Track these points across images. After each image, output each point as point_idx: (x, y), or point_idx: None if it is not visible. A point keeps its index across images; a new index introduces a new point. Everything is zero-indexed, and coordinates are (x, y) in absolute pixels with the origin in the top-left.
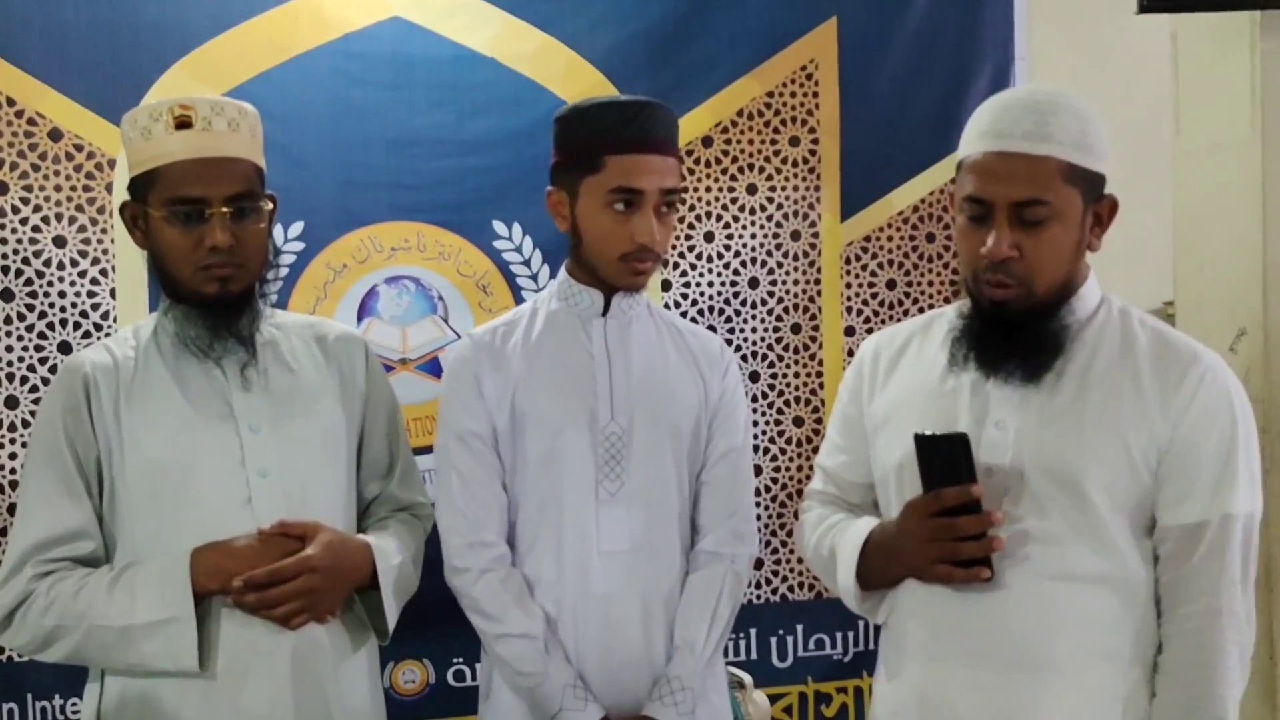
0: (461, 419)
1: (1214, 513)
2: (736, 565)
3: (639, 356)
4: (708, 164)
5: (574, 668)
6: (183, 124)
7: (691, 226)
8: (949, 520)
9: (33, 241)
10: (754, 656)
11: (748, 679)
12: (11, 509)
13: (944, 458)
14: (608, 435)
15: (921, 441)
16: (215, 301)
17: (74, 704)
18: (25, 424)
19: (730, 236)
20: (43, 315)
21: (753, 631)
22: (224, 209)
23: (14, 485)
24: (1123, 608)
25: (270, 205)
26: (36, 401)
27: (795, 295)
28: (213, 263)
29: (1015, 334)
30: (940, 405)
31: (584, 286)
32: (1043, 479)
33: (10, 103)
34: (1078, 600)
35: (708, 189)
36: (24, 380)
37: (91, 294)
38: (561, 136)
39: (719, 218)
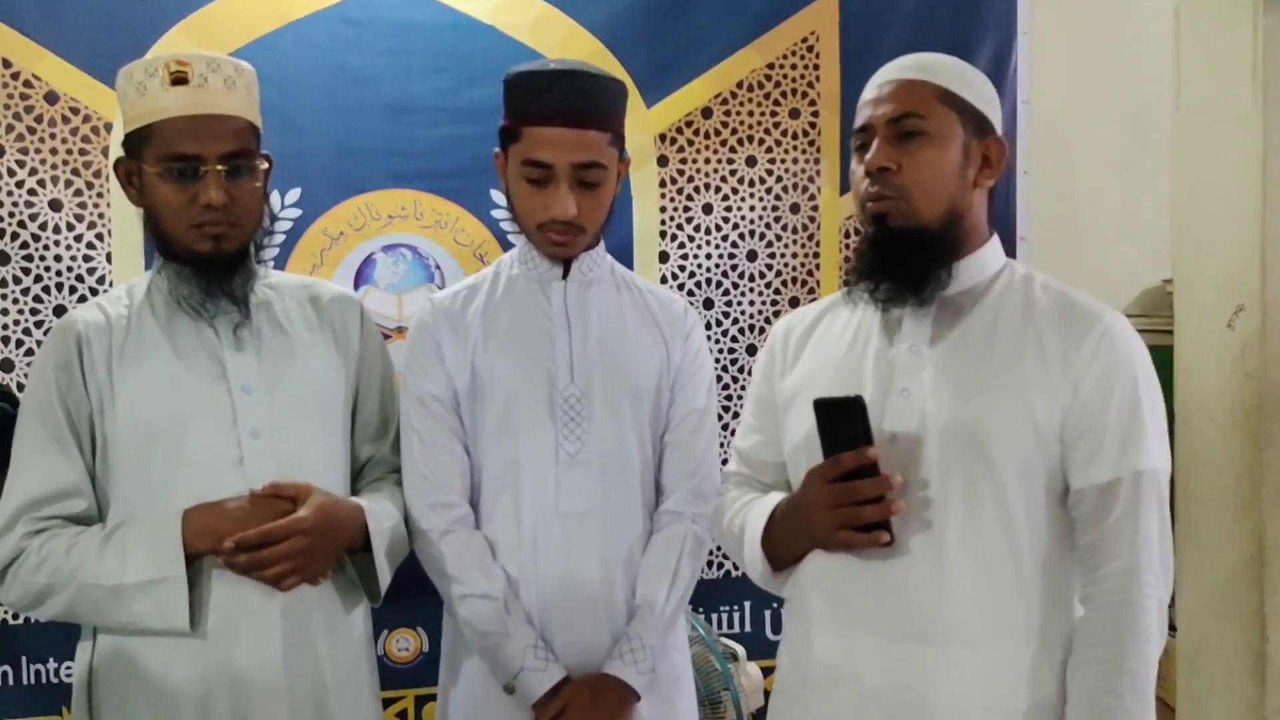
0: (421, 382)
1: (1125, 469)
2: (697, 525)
3: (598, 319)
4: (707, 135)
5: (535, 629)
6: (178, 80)
7: (690, 198)
8: (847, 484)
9: (28, 205)
10: (748, 629)
11: (741, 651)
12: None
13: (842, 422)
14: (566, 398)
15: (820, 406)
16: (209, 260)
17: (67, 666)
18: (20, 388)
19: (729, 209)
20: (38, 279)
21: (746, 605)
22: (219, 166)
23: None
24: (1022, 578)
25: (266, 165)
26: (31, 366)
27: (794, 268)
28: (206, 220)
29: (903, 256)
30: (847, 376)
31: (542, 250)
32: (946, 446)
33: (6, 64)
34: (978, 570)
35: (706, 161)
36: (19, 344)
37: (87, 258)
38: (503, 101)
39: (717, 189)
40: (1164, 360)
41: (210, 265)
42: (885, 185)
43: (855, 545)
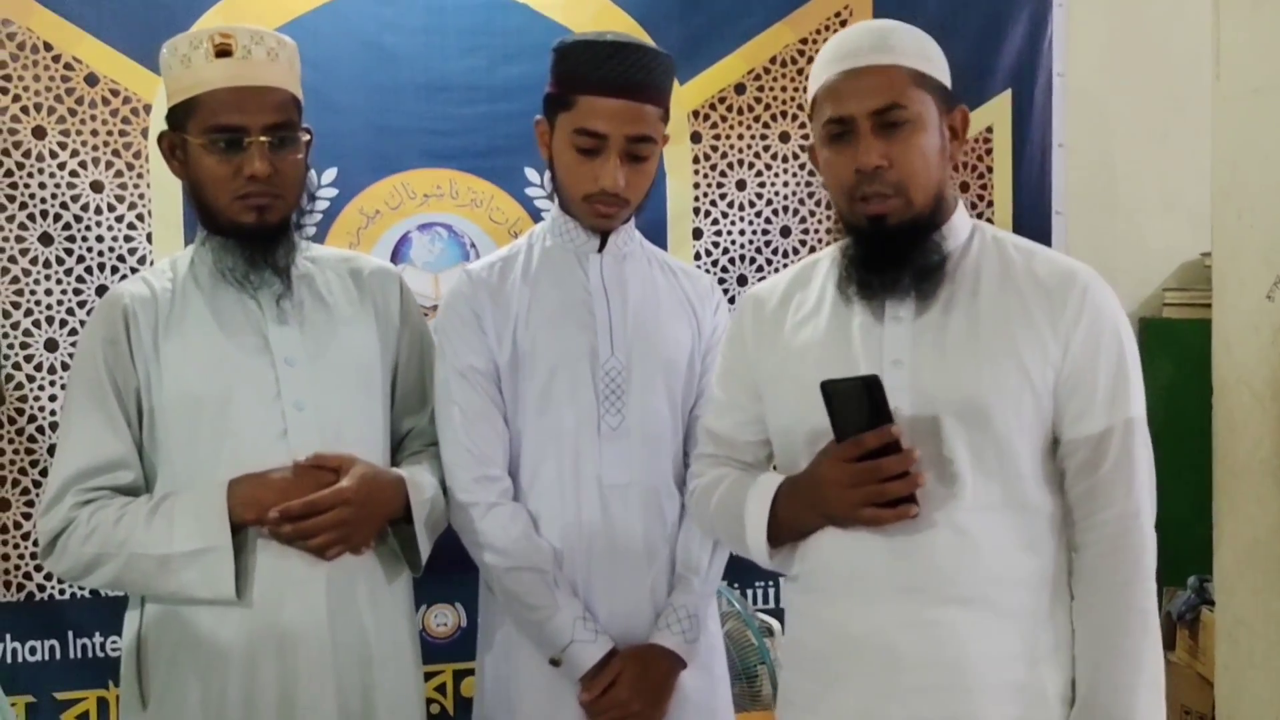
0: (463, 354)
1: (1116, 418)
2: None
3: (635, 292)
4: (740, 111)
5: (581, 601)
6: (222, 52)
7: (723, 174)
8: (873, 463)
9: (70, 186)
10: (783, 604)
11: (777, 626)
12: (54, 450)
13: (856, 402)
14: (608, 371)
15: (830, 388)
16: (252, 231)
17: (114, 641)
18: (65, 366)
19: (762, 184)
20: (81, 259)
21: (781, 580)
22: (262, 138)
23: (55, 427)
24: (1034, 532)
25: (307, 137)
26: (76, 345)
27: (827, 244)
28: (250, 192)
29: (900, 250)
30: (835, 351)
31: (579, 223)
32: (945, 413)
33: (47, 47)
34: (993, 529)
35: (740, 136)
36: (63, 323)
37: (128, 238)
38: (551, 68)
39: (751, 165)
40: (1202, 332)
41: (253, 236)
42: (881, 183)
43: (882, 521)
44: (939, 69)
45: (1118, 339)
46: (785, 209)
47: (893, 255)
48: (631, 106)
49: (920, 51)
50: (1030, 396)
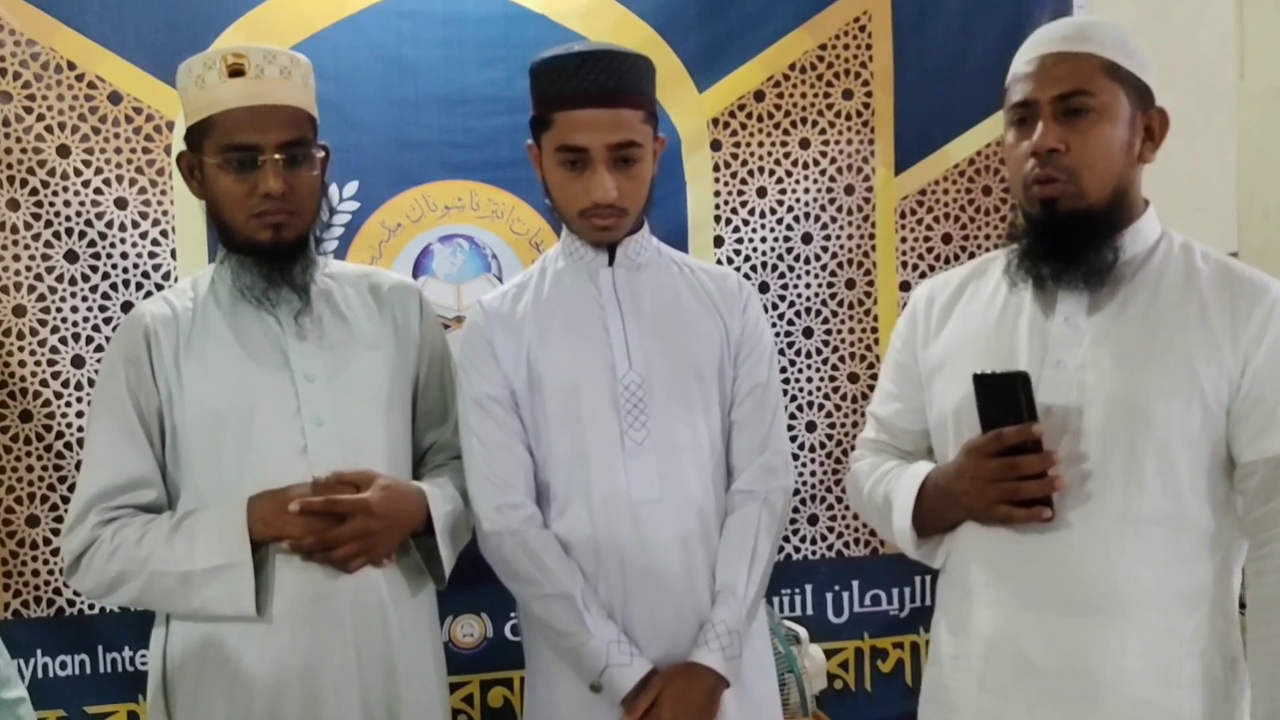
0: (477, 385)
1: None
2: (771, 500)
3: (651, 302)
4: (760, 118)
5: (617, 623)
6: (235, 72)
7: (744, 182)
8: (1010, 459)
9: (95, 204)
10: (810, 612)
11: (804, 634)
12: (80, 466)
13: (1004, 397)
14: (627, 386)
15: (980, 381)
16: (270, 249)
17: (142, 655)
18: (91, 383)
19: (783, 191)
20: (106, 276)
21: (808, 587)
22: (276, 155)
23: (82, 443)
24: (1187, 549)
25: (323, 153)
26: (102, 359)
27: (849, 250)
28: (266, 209)
29: (1071, 243)
30: (998, 346)
31: (585, 240)
32: (1107, 418)
33: (71, 66)
34: (1141, 541)
35: (759, 144)
36: (89, 340)
37: (153, 255)
38: (530, 90)
39: (771, 173)
40: None
41: (271, 254)
42: (1054, 167)
43: (1015, 520)
44: (1140, 65)
45: None
46: (807, 216)
47: (1063, 247)
48: (608, 114)
49: (1121, 45)
50: (1199, 407)
